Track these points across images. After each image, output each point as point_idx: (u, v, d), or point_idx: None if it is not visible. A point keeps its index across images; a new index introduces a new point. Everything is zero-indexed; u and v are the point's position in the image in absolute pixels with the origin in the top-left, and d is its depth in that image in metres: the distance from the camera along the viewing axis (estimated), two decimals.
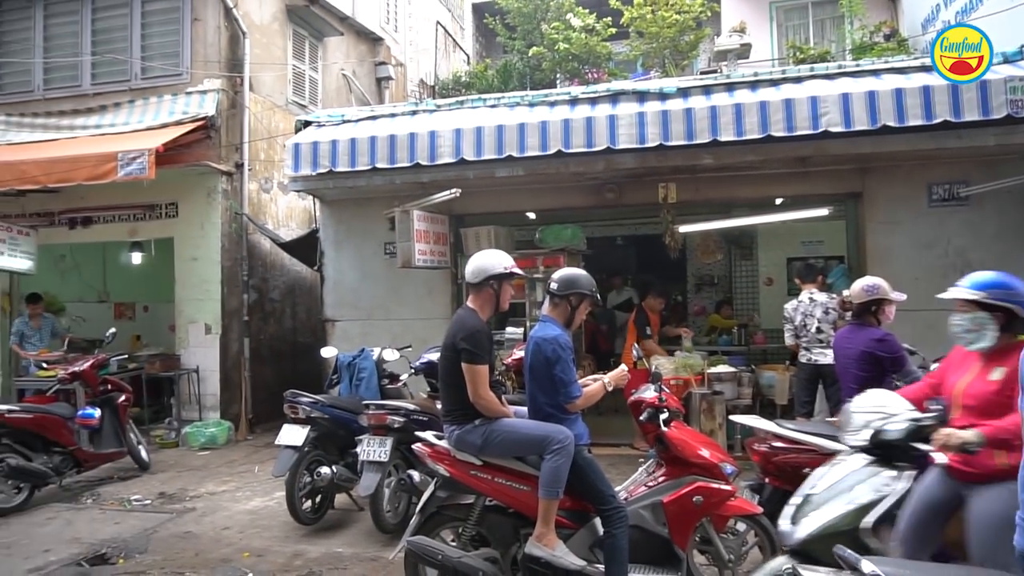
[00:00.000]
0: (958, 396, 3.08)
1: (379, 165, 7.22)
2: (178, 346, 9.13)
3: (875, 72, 6.73)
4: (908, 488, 3.06)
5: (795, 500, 3.17)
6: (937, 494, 3.10)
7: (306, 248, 9.33)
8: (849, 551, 2.29)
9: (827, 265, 9.14)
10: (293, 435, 5.32)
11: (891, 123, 6.13)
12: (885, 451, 3.12)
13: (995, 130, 6.17)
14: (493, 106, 7.65)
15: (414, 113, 7.88)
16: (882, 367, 4.24)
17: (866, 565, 2.15)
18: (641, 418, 3.99)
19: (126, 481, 6.99)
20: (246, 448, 8.40)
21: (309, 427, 5.37)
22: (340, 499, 5.79)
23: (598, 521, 3.74)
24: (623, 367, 4.12)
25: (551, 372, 3.75)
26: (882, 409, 3.27)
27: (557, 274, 4.03)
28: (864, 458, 3.17)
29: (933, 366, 4.72)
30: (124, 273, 11.03)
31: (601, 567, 3.66)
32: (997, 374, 2.96)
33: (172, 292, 9.25)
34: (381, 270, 8.20)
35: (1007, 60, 6.39)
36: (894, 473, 3.08)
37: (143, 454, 7.35)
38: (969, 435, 2.80)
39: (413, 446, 4.06)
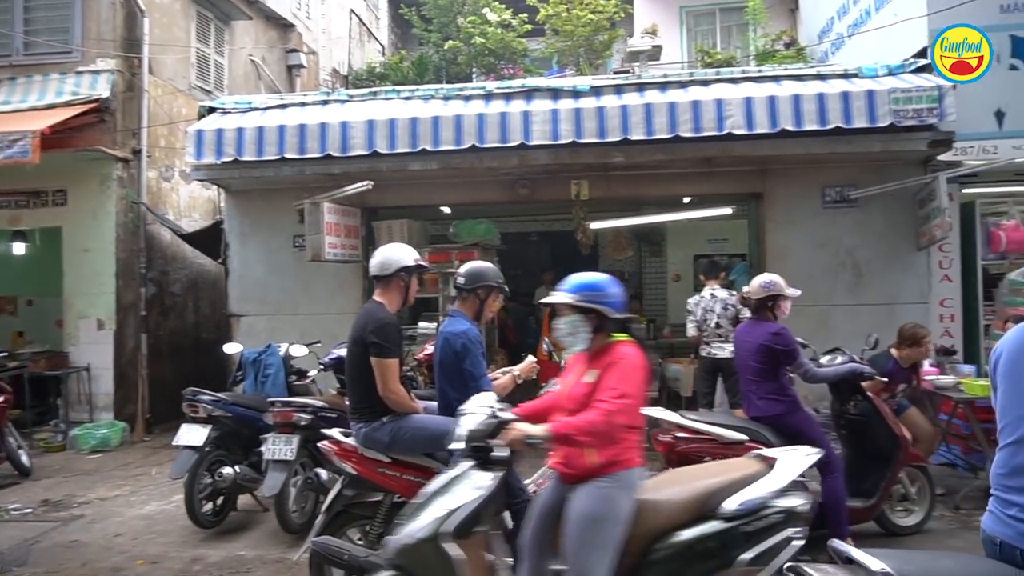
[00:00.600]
0: (563, 399, 3.07)
1: (288, 155, 6.99)
2: (66, 343, 8.56)
3: (776, 78, 7.04)
4: (492, 490, 2.86)
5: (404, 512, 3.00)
6: (549, 499, 3.09)
7: (210, 240, 8.93)
8: (843, 544, 2.21)
9: (731, 262, 9.54)
10: (193, 435, 5.10)
11: (789, 127, 6.44)
12: (478, 453, 2.92)
13: (881, 137, 6.58)
14: (407, 98, 7.54)
15: (326, 103, 7.67)
16: (777, 360, 4.44)
17: (873, 562, 2.02)
18: None
19: (3, 489, 6.50)
20: (142, 450, 7.98)
21: (210, 426, 5.16)
22: (243, 500, 5.59)
23: (507, 514, 3.75)
24: (531, 358, 4.14)
25: (461, 366, 3.73)
26: (483, 409, 3.02)
27: (464, 268, 4.02)
28: (469, 462, 2.96)
29: (823, 359, 5.00)
30: (5, 265, 10.24)
31: (510, 561, 3.67)
32: (590, 376, 2.94)
33: (60, 285, 8.65)
34: (289, 264, 7.95)
35: (891, 73, 6.83)
36: (489, 475, 2.89)
37: (23, 459, 6.85)
38: (534, 430, 2.81)
39: (319, 444, 3.96)
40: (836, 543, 2.25)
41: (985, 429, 5.35)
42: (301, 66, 12.40)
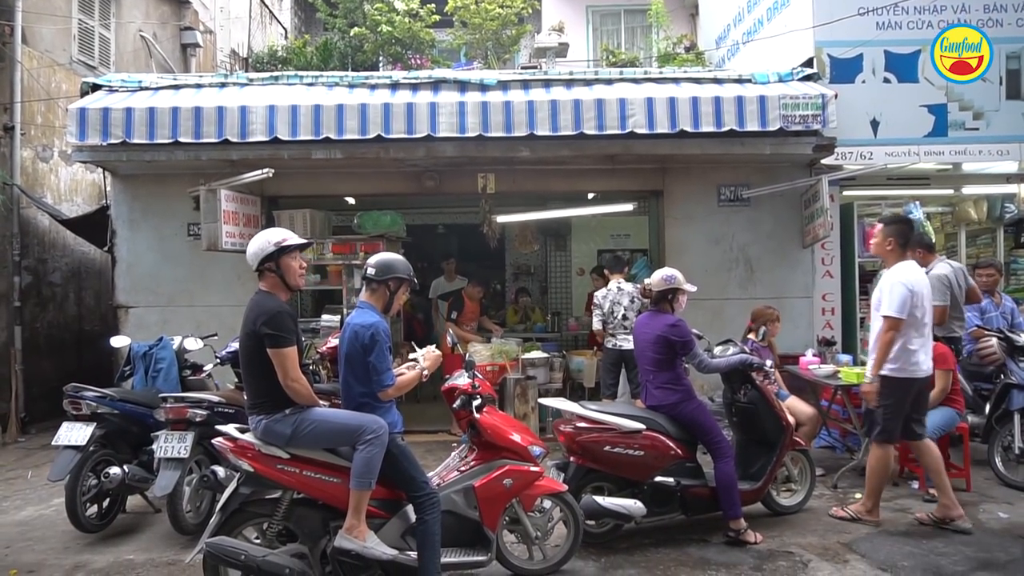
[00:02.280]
0: None
1: (182, 139, 6.67)
2: None
3: (676, 80, 7.31)
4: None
5: None
6: None
7: (94, 226, 8.38)
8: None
9: (632, 257, 9.84)
10: (74, 433, 4.77)
11: (688, 128, 6.71)
12: None
13: (771, 140, 6.97)
14: (311, 85, 7.34)
15: (223, 85, 7.35)
16: (674, 350, 4.63)
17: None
18: (454, 405, 4.05)
19: None
20: (16, 452, 7.42)
21: (94, 424, 4.84)
22: (133, 502, 5.30)
23: (410, 509, 3.74)
24: (435, 350, 4.12)
25: (366, 360, 3.68)
26: None
27: (373, 259, 3.95)
28: None
29: (716, 349, 5.25)
30: None
31: (413, 554, 3.67)
32: None
33: None
34: (184, 252, 7.58)
35: (781, 79, 7.24)
36: None
37: None
38: None
39: (213, 440, 3.80)
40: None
41: (859, 413, 5.78)
42: (197, 45, 11.80)
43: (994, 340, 6.02)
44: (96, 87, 7.34)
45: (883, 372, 4.71)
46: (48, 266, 8.99)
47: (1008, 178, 8.05)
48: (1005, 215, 8.37)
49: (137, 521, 5.21)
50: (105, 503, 5.00)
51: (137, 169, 7.44)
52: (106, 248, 7.92)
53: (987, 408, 6.01)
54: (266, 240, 3.69)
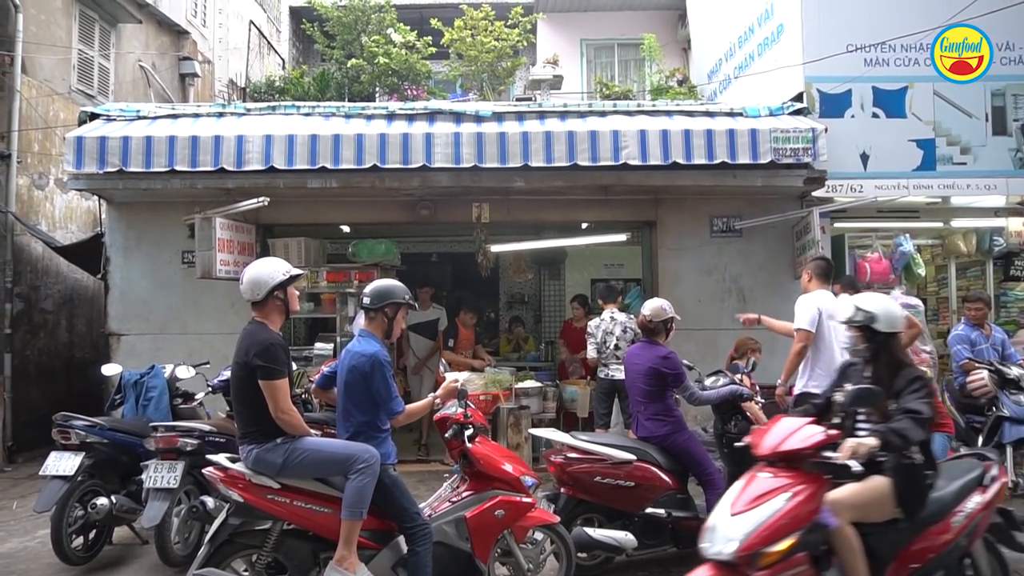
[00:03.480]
0: None
1: (179, 167, 6.70)
2: None
3: (668, 113, 7.41)
4: None
5: None
6: None
7: (88, 253, 8.37)
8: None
9: (626, 287, 9.88)
10: (63, 463, 4.73)
11: (680, 160, 6.79)
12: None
13: (763, 173, 7.05)
14: (307, 114, 7.41)
15: (221, 115, 7.41)
16: (665, 382, 4.65)
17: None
18: (447, 435, 4.04)
19: None
20: (2, 481, 7.33)
21: (83, 454, 4.80)
22: (120, 533, 5.23)
23: (401, 540, 3.72)
24: (451, 380, 4.15)
25: (369, 388, 3.70)
26: None
27: (369, 288, 3.97)
28: None
29: (707, 380, 5.26)
30: None
31: None
32: None
33: None
34: (177, 280, 7.58)
35: (772, 113, 7.35)
36: None
37: None
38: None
39: (204, 470, 3.78)
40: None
41: None
42: (195, 75, 11.91)
43: (985, 373, 6.05)
44: (94, 116, 7.39)
45: (800, 389, 5.28)
46: (40, 293, 8.97)
47: (996, 212, 8.15)
48: (994, 248, 8.45)
49: (124, 553, 5.15)
50: (92, 534, 4.94)
51: (133, 197, 7.47)
52: (99, 275, 7.91)
53: (979, 441, 6.02)
54: (276, 268, 3.72)
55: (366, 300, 3.92)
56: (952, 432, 5.63)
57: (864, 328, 3.58)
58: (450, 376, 4.23)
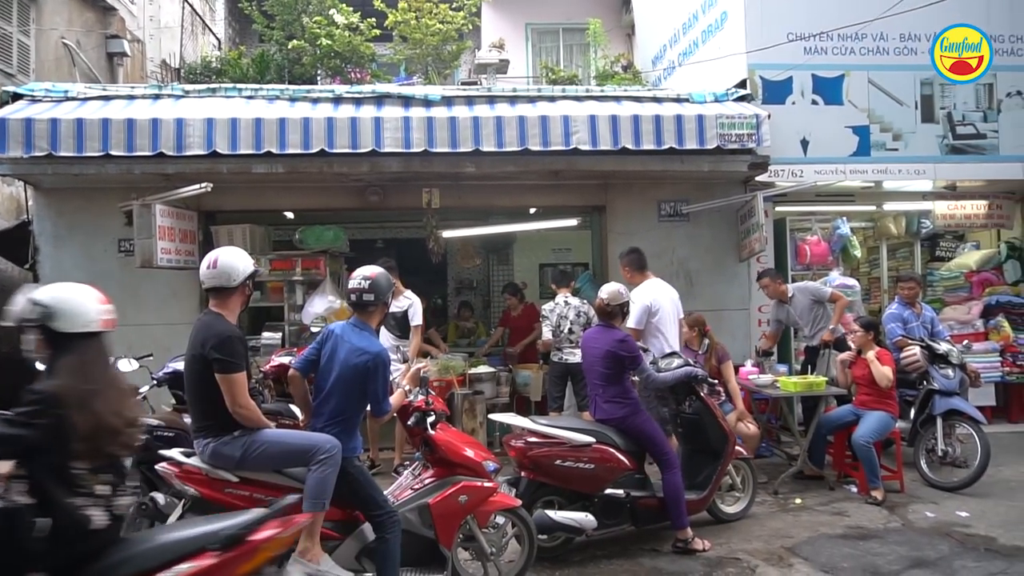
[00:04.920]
0: None
1: (113, 152, 6.40)
2: None
3: (617, 98, 7.48)
4: None
5: None
6: None
7: (12, 243, 7.92)
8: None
9: (574, 271, 9.97)
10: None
11: (629, 145, 6.86)
12: None
13: (709, 158, 7.19)
14: (250, 98, 7.19)
15: (157, 97, 7.11)
16: (622, 365, 4.71)
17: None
18: (409, 422, 4.01)
19: None
20: None
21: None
22: None
23: (366, 528, 3.69)
24: (414, 365, 4.17)
25: (366, 386, 3.67)
26: None
27: (367, 282, 3.85)
28: None
29: (662, 362, 5.36)
30: None
31: (369, 575, 3.61)
32: None
33: None
34: (114, 270, 7.25)
35: (717, 99, 7.50)
36: None
37: None
38: None
39: (157, 466, 3.66)
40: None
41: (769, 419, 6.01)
42: (124, 55, 11.33)
43: (917, 349, 6.36)
44: (17, 96, 6.98)
45: None
46: None
47: (924, 195, 8.54)
48: (922, 230, 8.88)
49: None
50: None
51: (63, 183, 7.10)
52: (27, 265, 7.51)
53: (912, 413, 6.34)
54: (246, 260, 3.67)
55: (368, 296, 3.82)
56: (896, 414, 5.90)
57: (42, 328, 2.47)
58: (414, 365, 4.22)
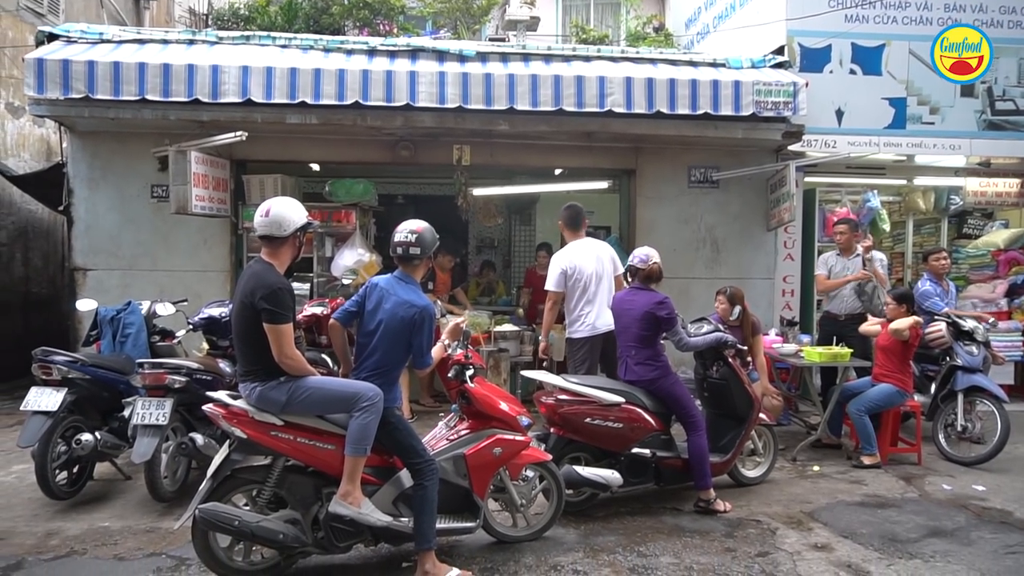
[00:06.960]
0: None
1: (149, 96, 6.42)
2: None
3: (652, 61, 7.39)
4: None
5: None
6: None
7: (46, 185, 8.01)
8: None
9: (597, 234, 9.97)
10: (44, 399, 4.62)
11: (664, 109, 6.82)
12: None
13: (743, 125, 7.14)
14: (284, 46, 7.15)
15: (192, 43, 7.09)
16: (659, 327, 4.76)
17: None
18: (449, 375, 4.09)
19: None
20: None
21: (66, 389, 4.70)
22: (101, 468, 5.18)
23: (403, 475, 3.80)
24: (456, 321, 4.22)
25: (411, 339, 3.75)
26: None
27: (414, 236, 3.86)
28: None
29: (691, 327, 5.41)
30: None
31: (405, 520, 3.73)
32: None
33: None
34: (147, 214, 7.34)
35: (754, 66, 7.39)
36: None
37: None
38: None
39: (204, 407, 3.76)
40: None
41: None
42: None
43: (943, 324, 6.38)
44: (53, 37, 6.98)
45: (568, 335, 5.70)
46: None
47: (956, 171, 8.46)
48: (950, 206, 8.80)
49: (107, 489, 5.11)
50: (75, 470, 4.88)
51: (98, 126, 7.13)
52: (61, 208, 7.60)
53: (933, 388, 6.39)
54: (300, 211, 3.71)
55: (415, 249, 3.86)
56: (906, 388, 5.88)
57: None
58: (453, 319, 4.27)
